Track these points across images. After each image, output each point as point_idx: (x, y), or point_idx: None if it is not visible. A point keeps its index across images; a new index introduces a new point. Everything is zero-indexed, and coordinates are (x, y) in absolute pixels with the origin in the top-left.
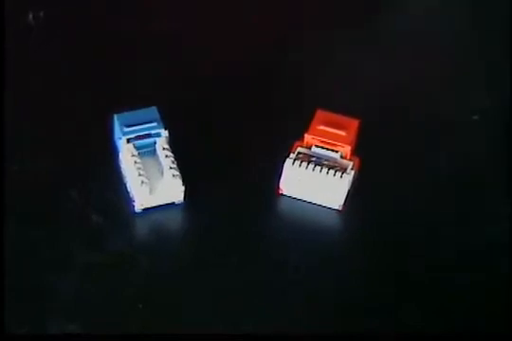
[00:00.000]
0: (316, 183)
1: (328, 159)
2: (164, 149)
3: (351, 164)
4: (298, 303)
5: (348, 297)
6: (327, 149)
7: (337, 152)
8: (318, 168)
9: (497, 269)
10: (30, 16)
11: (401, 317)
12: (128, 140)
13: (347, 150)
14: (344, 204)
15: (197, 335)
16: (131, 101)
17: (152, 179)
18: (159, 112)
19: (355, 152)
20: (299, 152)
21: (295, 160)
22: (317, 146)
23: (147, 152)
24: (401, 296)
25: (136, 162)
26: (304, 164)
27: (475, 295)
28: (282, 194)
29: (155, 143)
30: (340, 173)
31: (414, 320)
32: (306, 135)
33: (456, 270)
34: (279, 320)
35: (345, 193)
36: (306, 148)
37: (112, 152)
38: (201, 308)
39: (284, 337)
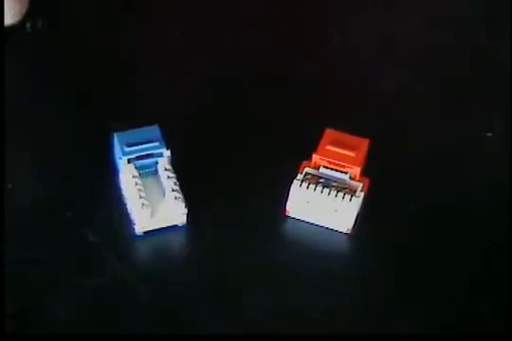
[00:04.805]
0: (324, 205)
1: (337, 180)
2: (166, 169)
3: (360, 186)
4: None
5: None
6: (336, 170)
7: (346, 173)
8: (326, 190)
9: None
10: (28, 25)
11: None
12: (129, 160)
13: (356, 171)
14: (353, 227)
15: None
16: (131, 119)
17: (153, 201)
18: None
19: (364, 172)
20: (306, 173)
21: (302, 181)
22: (325, 167)
23: (148, 172)
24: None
25: (136, 183)
26: (312, 186)
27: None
28: (288, 216)
29: (156, 163)
30: (349, 196)
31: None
32: (314, 156)
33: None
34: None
35: (354, 216)
36: (314, 168)
37: (111, 172)
38: (203, 332)
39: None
